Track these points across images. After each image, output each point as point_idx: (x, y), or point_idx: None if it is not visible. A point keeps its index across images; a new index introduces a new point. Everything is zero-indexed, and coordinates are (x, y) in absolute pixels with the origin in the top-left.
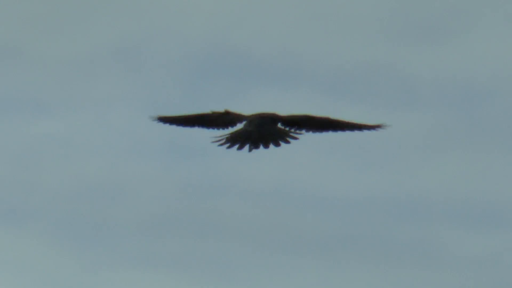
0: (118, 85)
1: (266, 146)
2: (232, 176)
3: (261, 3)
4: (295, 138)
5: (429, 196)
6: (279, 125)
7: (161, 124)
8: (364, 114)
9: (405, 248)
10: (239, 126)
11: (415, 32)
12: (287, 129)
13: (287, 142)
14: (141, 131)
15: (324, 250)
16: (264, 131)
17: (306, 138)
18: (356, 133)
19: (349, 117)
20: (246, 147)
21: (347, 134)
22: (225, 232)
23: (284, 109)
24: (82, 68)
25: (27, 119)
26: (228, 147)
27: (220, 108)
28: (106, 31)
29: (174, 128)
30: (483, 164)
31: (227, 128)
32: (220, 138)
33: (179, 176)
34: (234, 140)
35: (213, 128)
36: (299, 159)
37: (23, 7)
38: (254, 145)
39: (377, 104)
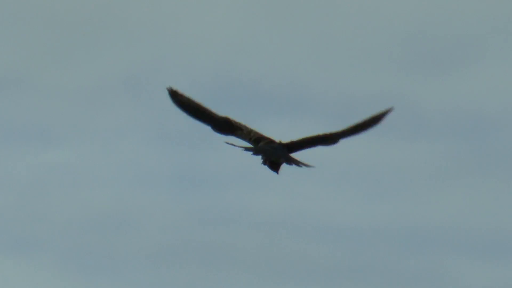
0: (127, 114)
1: (276, 166)
2: (241, 206)
3: (269, 33)
4: (307, 166)
5: (439, 226)
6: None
7: (170, 98)
8: (373, 144)
9: (414, 278)
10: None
11: (425, 62)
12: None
13: (299, 165)
14: (150, 160)
15: (332, 280)
16: (277, 153)
17: (315, 169)
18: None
19: (358, 146)
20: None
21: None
22: (234, 262)
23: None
24: (90, 97)
25: (35, 149)
26: (240, 148)
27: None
28: (114, 60)
29: (179, 113)
30: (492, 194)
31: (226, 133)
32: (233, 144)
33: (188, 206)
34: (247, 148)
35: (213, 128)
36: (308, 189)
37: (31, 37)
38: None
39: (386, 134)
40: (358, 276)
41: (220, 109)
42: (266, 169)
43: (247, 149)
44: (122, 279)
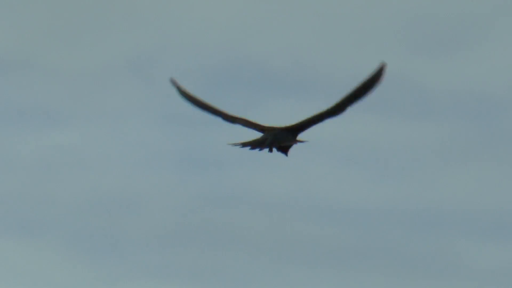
0: (132, 96)
1: (279, 149)
2: (247, 187)
3: (276, 14)
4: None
5: (444, 208)
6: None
7: (177, 93)
8: (378, 125)
9: (421, 260)
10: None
11: (431, 43)
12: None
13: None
14: (156, 141)
15: (339, 262)
16: (279, 138)
17: (321, 149)
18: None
19: (365, 126)
20: (259, 148)
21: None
22: (240, 243)
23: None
24: (95, 79)
25: (40, 130)
26: (241, 147)
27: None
28: (119, 41)
29: (189, 108)
30: (499, 175)
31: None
32: (236, 143)
33: (194, 187)
34: (249, 144)
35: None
36: (314, 170)
37: (36, 18)
38: (268, 147)
39: (392, 115)
40: (365, 257)
41: (227, 90)
42: (274, 151)
43: (251, 146)
44: (129, 260)
